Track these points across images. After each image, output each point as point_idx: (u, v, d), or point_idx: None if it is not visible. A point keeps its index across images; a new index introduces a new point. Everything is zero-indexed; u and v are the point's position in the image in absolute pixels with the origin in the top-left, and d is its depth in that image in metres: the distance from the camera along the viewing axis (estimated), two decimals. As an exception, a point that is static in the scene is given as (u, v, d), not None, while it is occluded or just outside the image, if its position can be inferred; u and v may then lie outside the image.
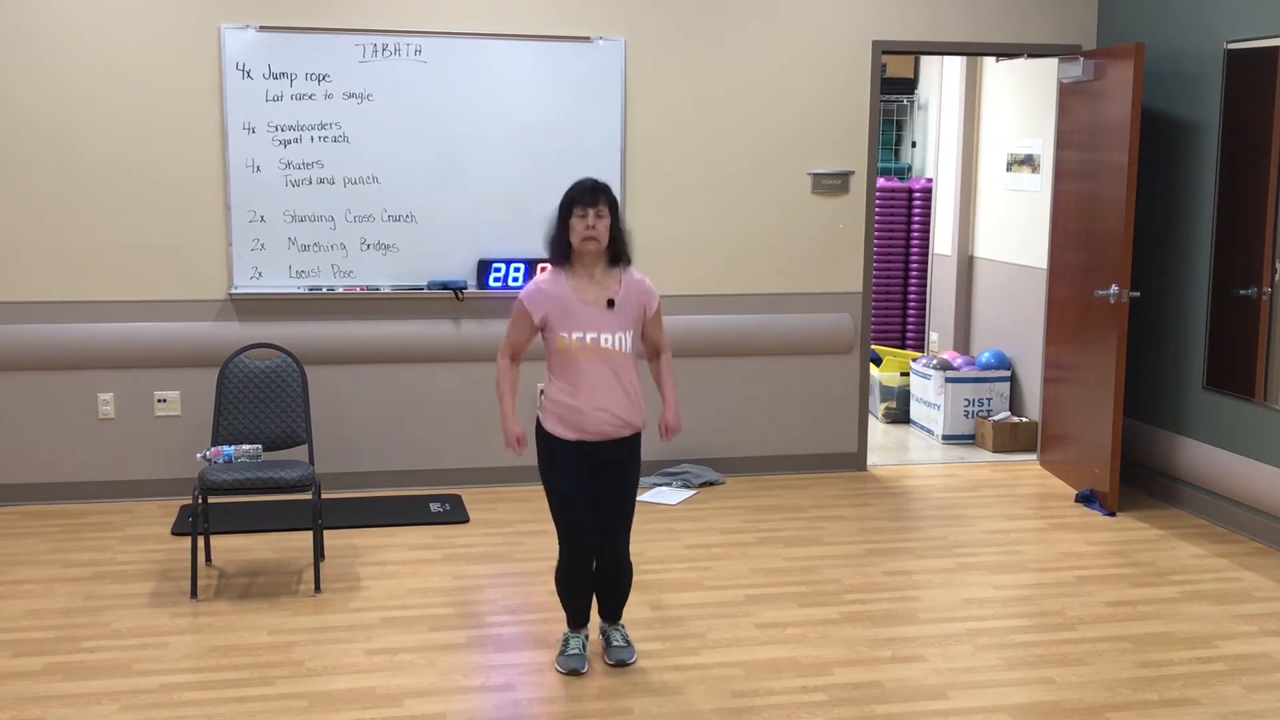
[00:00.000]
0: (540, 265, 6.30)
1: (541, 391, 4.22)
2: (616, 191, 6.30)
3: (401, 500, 6.21)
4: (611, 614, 4.38)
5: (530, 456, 4.29)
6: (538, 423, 4.19)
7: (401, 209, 6.24)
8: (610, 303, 4.09)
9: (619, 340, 4.10)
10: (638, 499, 6.20)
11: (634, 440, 4.21)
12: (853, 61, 6.63)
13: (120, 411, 6.17)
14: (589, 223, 4.02)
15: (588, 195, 4.04)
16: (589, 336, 4.07)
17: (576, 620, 4.32)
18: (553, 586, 4.38)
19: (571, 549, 4.18)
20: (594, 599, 4.34)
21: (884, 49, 6.69)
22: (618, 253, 4.13)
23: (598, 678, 4.19)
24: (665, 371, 4.32)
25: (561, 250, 4.10)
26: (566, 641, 4.31)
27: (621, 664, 4.27)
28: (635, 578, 5.02)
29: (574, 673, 4.19)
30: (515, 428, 4.17)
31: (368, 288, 6.26)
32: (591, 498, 4.15)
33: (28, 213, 5.97)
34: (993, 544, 5.68)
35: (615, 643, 4.33)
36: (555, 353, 4.12)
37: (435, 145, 6.23)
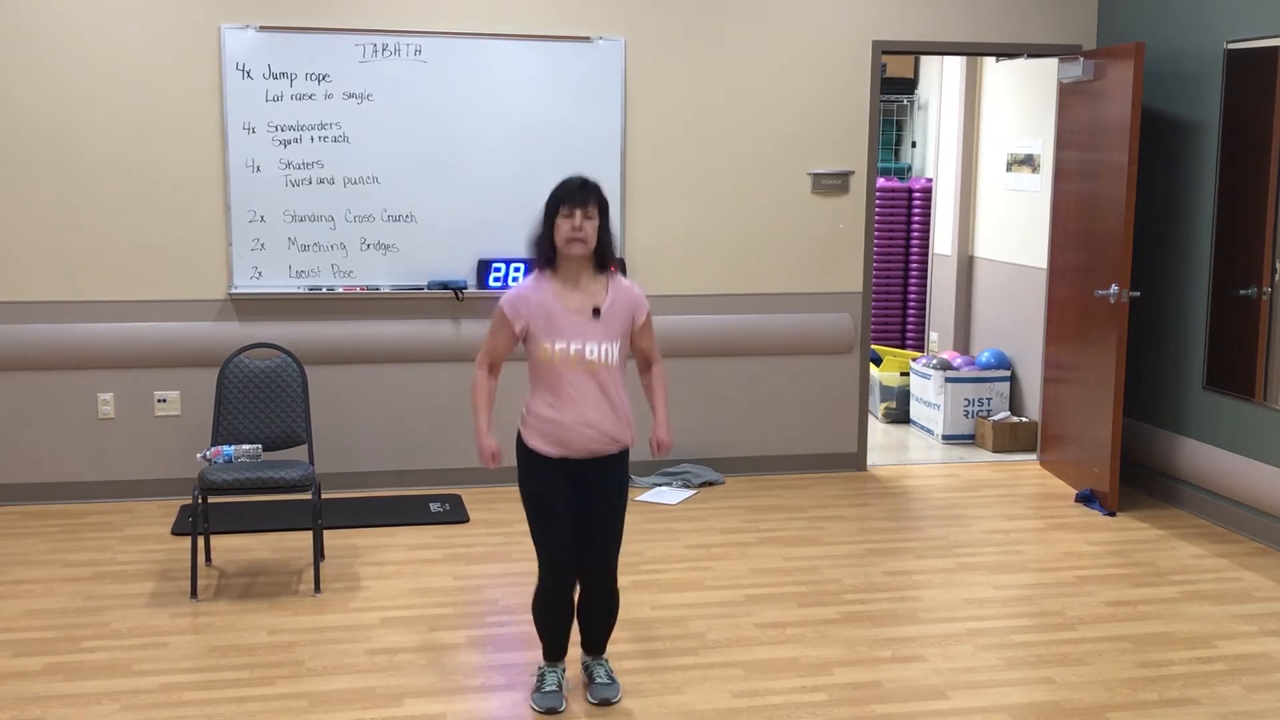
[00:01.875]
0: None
1: (519, 431, 3.94)
2: (616, 192, 6.35)
3: (401, 500, 6.21)
4: (595, 646, 4.10)
5: (514, 453, 4.11)
6: (518, 437, 3.93)
7: (401, 209, 6.24)
8: (596, 311, 3.83)
9: (605, 351, 3.84)
10: (637, 499, 6.23)
11: (621, 458, 3.95)
12: (853, 61, 6.63)
13: (120, 411, 6.17)
14: (576, 223, 3.76)
15: (576, 194, 3.78)
16: (573, 348, 3.80)
17: (554, 651, 4.03)
18: None
19: (552, 572, 3.91)
20: (575, 629, 4.07)
21: (884, 49, 6.69)
22: (605, 257, 3.86)
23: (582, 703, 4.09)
24: (657, 385, 4.06)
25: (545, 253, 3.85)
26: (543, 677, 4.02)
27: (606, 703, 3.97)
28: (634, 578, 5.04)
29: (551, 711, 3.92)
30: (490, 442, 3.90)
31: (368, 288, 6.26)
32: (574, 519, 3.90)
33: (28, 213, 5.97)
34: (993, 544, 5.68)
35: (599, 679, 4.04)
36: (538, 364, 3.86)
37: (435, 145, 6.23)
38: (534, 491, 3.91)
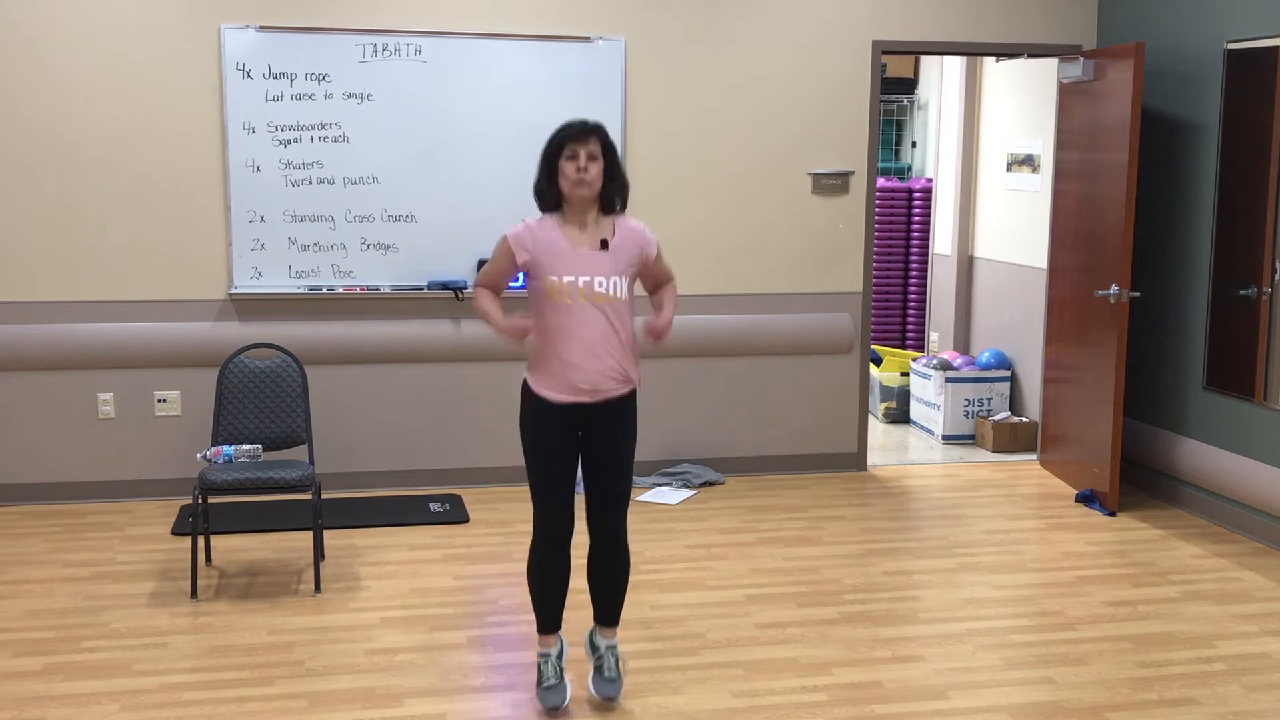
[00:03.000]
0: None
1: (524, 378, 3.82)
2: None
3: (401, 500, 6.21)
4: (608, 615, 4.01)
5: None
6: (524, 384, 3.84)
7: (401, 209, 6.24)
8: (604, 244, 3.74)
9: (614, 285, 3.74)
10: (637, 499, 6.23)
11: (629, 402, 3.84)
12: (853, 61, 6.63)
13: (120, 411, 6.17)
14: (580, 164, 3.67)
15: (578, 135, 3.68)
16: (581, 280, 3.70)
17: (548, 622, 3.94)
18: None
19: (548, 524, 3.82)
20: (579, 596, 3.92)
21: (884, 49, 6.69)
22: (611, 198, 3.78)
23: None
24: (669, 290, 3.96)
25: (550, 197, 3.76)
26: (540, 670, 3.94)
27: (609, 700, 3.92)
28: (634, 578, 5.04)
29: (555, 710, 3.88)
30: (511, 319, 3.73)
31: (368, 288, 6.26)
32: (575, 467, 3.80)
33: (28, 213, 5.97)
34: (993, 544, 5.68)
35: (607, 673, 3.96)
36: (544, 300, 3.74)
37: (435, 145, 6.23)
38: (536, 438, 3.81)
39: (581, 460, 3.88)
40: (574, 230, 3.77)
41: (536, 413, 3.81)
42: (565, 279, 3.71)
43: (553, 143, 3.73)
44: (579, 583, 4.23)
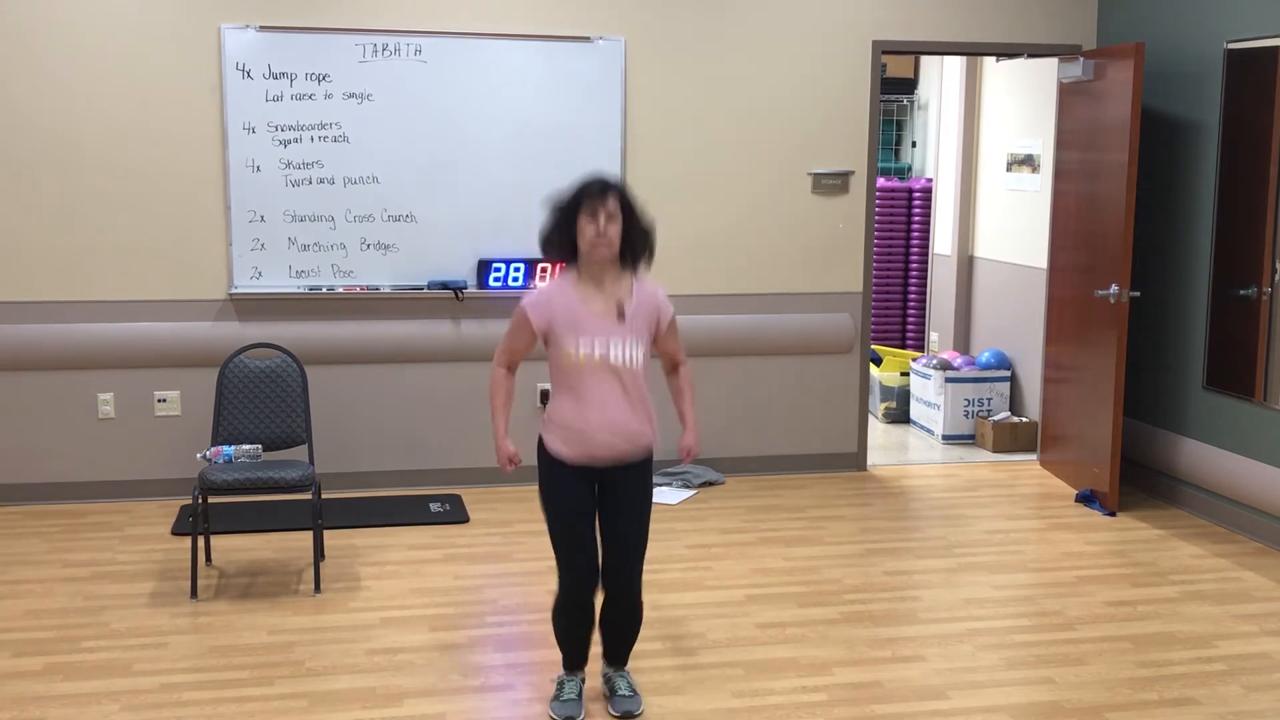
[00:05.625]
0: (540, 265, 6.31)
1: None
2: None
3: (401, 500, 6.21)
4: (619, 656, 4.00)
5: (533, 456, 4.04)
6: (539, 442, 3.82)
7: (401, 209, 6.24)
8: (621, 314, 3.73)
9: (629, 354, 3.72)
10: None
11: (645, 465, 3.82)
12: (853, 61, 6.63)
13: (120, 411, 6.17)
14: (600, 228, 3.64)
15: (597, 196, 3.66)
16: (597, 350, 3.69)
17: (574, 661, 3.94)
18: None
19: (573, 580, 3.79)
20: (595, 637, 3.95)
21: (884, 49, 6.69)
22: (632, 257, 3.75)
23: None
24: (685, 388, 3.95)
25: (557, 248, 3.74)
26: (561, 685, 3.94)
27: (628, 715, 3.88)
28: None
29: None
30: (509, 446, 3.82)
31: (368, 288, 6.26)
32: (594, 521, 3.79)
33: (28, 213, 5.97)
34: (993, 544, 5.68)
35: (621, 691, 3.94)
36: (560, 367, 3.74)
37: (435, 145, 6.23)
38: (555, 498, 3.80)
39: (599, 514, 3.84)
40: (590, 290, 3.74)
41: (553, 472, 3.80)
42: (581, 348, 3.70)
43: (570, 197, 3.70)
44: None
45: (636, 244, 3.76)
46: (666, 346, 3.91)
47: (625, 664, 4.04)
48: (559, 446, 3.76)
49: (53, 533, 5.70)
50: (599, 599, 3.89)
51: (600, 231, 3.65)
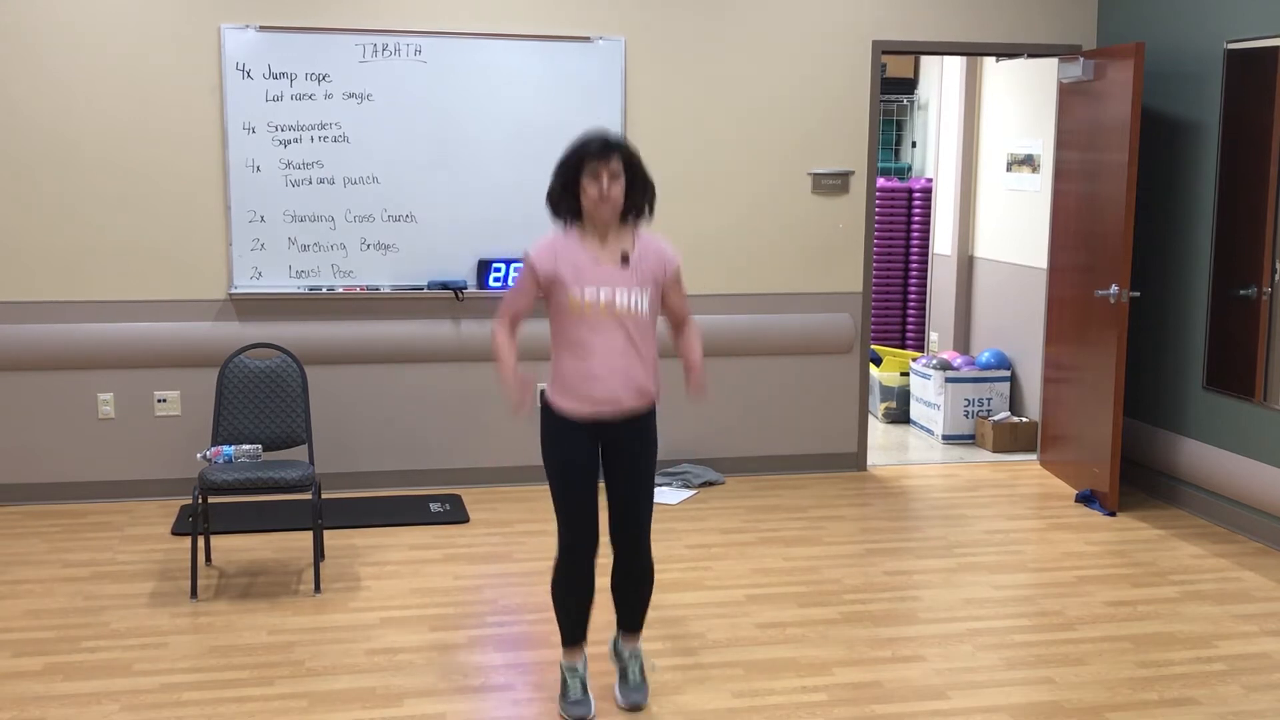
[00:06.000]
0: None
1: (543, 396, 3.85)
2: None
3: (401, 500, 6.21)
4: (632, 621, 3.98)
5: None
6: (542, 398, 3.81)
7: (401, 209, 6.24)
8: (625, 258, 3.70)
9: (635, 300, 3.69)
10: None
11: (649, 418, 3.81)
12: (853, 61, 6.63)
13: (120, 411, 6.17)
14: (603, 184, 3.62)
15: (600, 153, 3.62)
16: (603, 295, 3.66)
17: (573, 635, 3.92)
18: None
19: (573, 539, 3.78)
20: (605, 607, 3.91)
21: (884, 49, 6.69)
22: (635, 212, 3.73)
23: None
24: (693, 337, 3.88)
25: (564, 207, 3.72)
26: (565, 683, 3.93)
27: (636, 708, 3.90)
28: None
29: None
30: (518, 383, 3.70)
31: (368, 288, 6.26)
32: (597, 481, 3.76)
33: (28, 213, 5.97)
34: (993, 544, 5.68)
35: (632, 678, 3.95)
36: (565, 316, 3.70)
37: (435, 145, 6.23)
38: (557, 454, 3.77)
39: (604, 474, 3.84)
40: (595, 243, 3.73)
41: (557, 429, 3.77)
42: (587, 294, 3.68)
43: (573, 157, 3.69)
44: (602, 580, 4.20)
45: (639, 199, 3.74)
46: (673, 300, 3.87)
47: (639, 630, 4.01)
48: (562, 401, 3.74)
49: (53, 533, 5.70)
50: (598, 595, 3.90)
51: (603, 193, 3.64)
